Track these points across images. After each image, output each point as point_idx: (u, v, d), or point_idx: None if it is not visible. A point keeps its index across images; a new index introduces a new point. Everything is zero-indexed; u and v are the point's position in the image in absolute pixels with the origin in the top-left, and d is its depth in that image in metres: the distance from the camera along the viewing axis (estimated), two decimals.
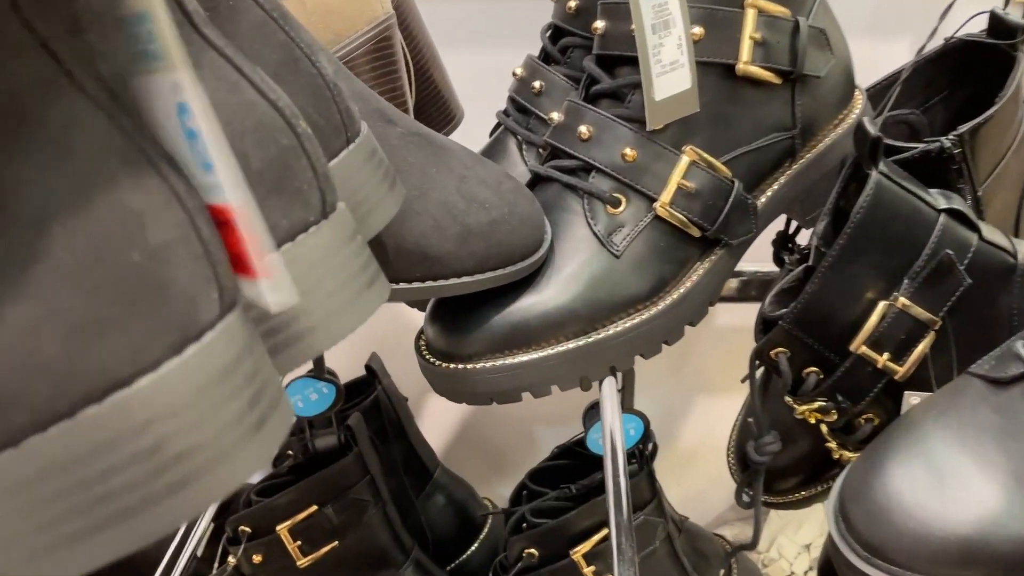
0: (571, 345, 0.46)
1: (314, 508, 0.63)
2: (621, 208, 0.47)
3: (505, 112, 0.56)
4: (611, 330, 0.47)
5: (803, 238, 0.60)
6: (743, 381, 0.63)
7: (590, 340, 0.46)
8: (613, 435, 0.57)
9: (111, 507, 0.20)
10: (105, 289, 0.20)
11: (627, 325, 0.47)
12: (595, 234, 0.47)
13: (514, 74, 0.56)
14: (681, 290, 0.48)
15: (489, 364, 0.46)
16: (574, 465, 0.68)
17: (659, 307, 0.47)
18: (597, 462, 0.65)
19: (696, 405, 0.86)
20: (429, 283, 0.44)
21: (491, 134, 0.58)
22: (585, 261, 0.47)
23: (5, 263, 0.19)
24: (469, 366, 0.46)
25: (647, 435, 0.62)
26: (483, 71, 0.65)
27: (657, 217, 0.47)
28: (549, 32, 0.55)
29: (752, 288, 0.72)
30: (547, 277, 0.47)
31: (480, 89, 0.64)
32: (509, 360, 0.46)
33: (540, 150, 0.54)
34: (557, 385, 0.47)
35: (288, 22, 0.34)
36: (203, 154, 0.23)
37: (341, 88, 0.35)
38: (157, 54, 0.22)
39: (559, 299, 0.46)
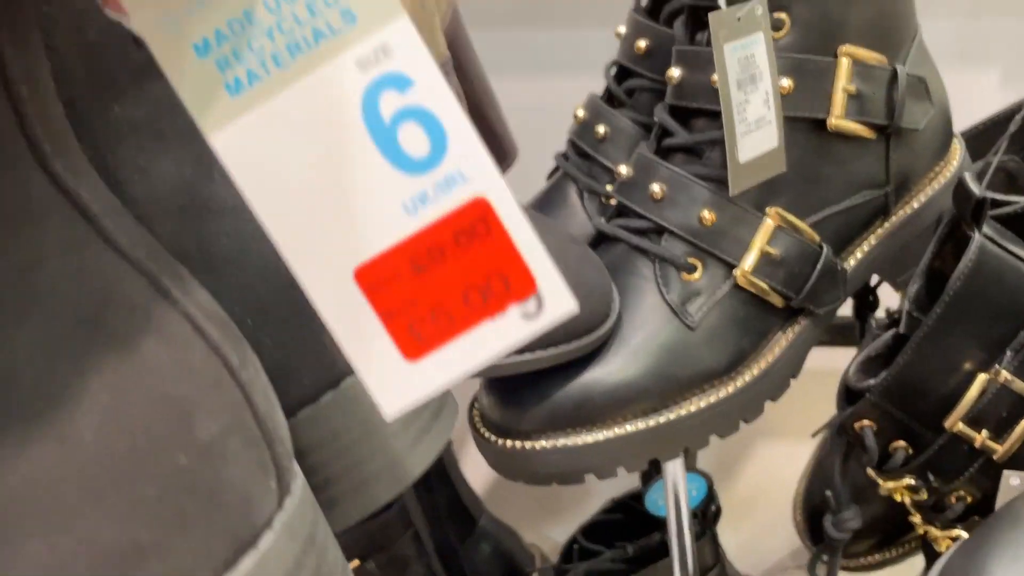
0: (640, 425, 0.42)
1: (356, 563, 0.60)
2: (697, 275, 0.43)
3: (564, 156, 0.52)
4: (684, 409, 0.43)
5: (884, 289, 0.56)
6: (814, 436, 0.59)
7: (661, 421, 0.42)
8: (678, 497, 0.53)
9: None
10: (145, 507, 0.17)
11: (702, 404, 0.43)
12: (667, 303, 0.43)
13: (575, 116, 0.52)
14: (762, 364, 0.44)
15: (549, 444, 0.42)
16: (628, 520, 0.64)
17: (737, 384, 0.43)
18: (653, 518, 0.61)
19: (755, 448, 0.82)
20: None
21: (549, 177, 0.54)
22: (656, 332, 0.43)
23: (24, 481, 0.16)
24: (527, 445, 0.43)
25: (710, 496, 0.59)
26: (538, 102, 0.61)
27: (736, 285, 0.43)
28: (614, 71, 0.51)
29: None
30: (613, 349, 0.43)
31: (534, 121, 0.60)
32: (572, 441, 0.42)
33: (603, 199, 0.50)
34: (624, 467, 0.43)
35: None
36: (423, 140, 0.17)
37: None
38: (330, 27, 0.17)
39: (627, 374, 0.42)
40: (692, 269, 0.43)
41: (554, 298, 0.18)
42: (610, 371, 0.42)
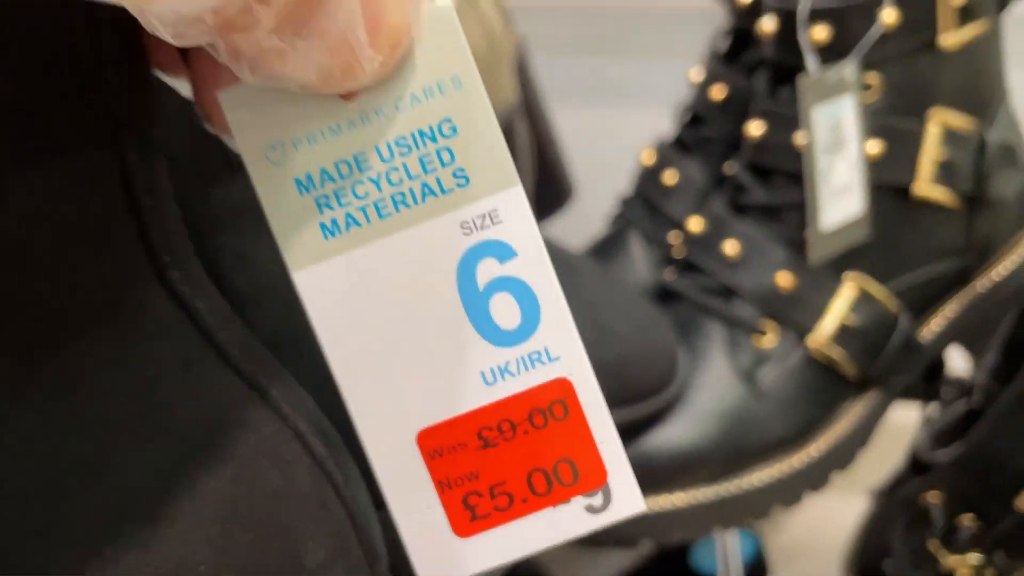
0: (702, 495, 0.41)
1: None
2: (767, 340, 0.42)
3: (627, 200, 0.51)
4: (749, 479, 0.41)
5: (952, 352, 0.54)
6: (873, 495, 0.57)
7: (724, 490, 0.41)
8: (729, 558, 0.52)
9: None
10: None
11: (768, 474, 0.41)
12: (735, 367, 0.42)
13: (641, 161, 0.50)
14: (831, 436, 0.42)
15: None
16: (668, 573, 0.62)
17: (805, 455, 0.42)
18: (696, 574, 0.60)
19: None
20: None
21: (612, 223, 0.52)
22: (722, 397, 0.41)
23: None
24: None
25: (759, 556, 0.57)
26: (600, 136, 0.60)
27: (808, 353, 0.41)
28: (686, 117, 0.50)
29: None
30: (677, 413, 0.41)
31: (594, 156, 0.59)
32: None
33: (666, 251, 0.48)
34: (683, 535, 0.42)
35: None
36: (515, 312, 0.17)
37: None
38: (441, 186, 0.16)
39: (690, 439, 0.41)
40: (763, 333, 0.42)
41: (623, 495, 0.17)
42: (673, 436, 0.41)
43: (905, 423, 0.54)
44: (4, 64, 0.14)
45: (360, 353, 0.17)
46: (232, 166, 0.21)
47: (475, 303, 0.16)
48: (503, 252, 0.16)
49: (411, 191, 0.16)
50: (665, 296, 0.45)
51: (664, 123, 0.53)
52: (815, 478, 0.42)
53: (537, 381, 0.17)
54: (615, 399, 0.40)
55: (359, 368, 0.17)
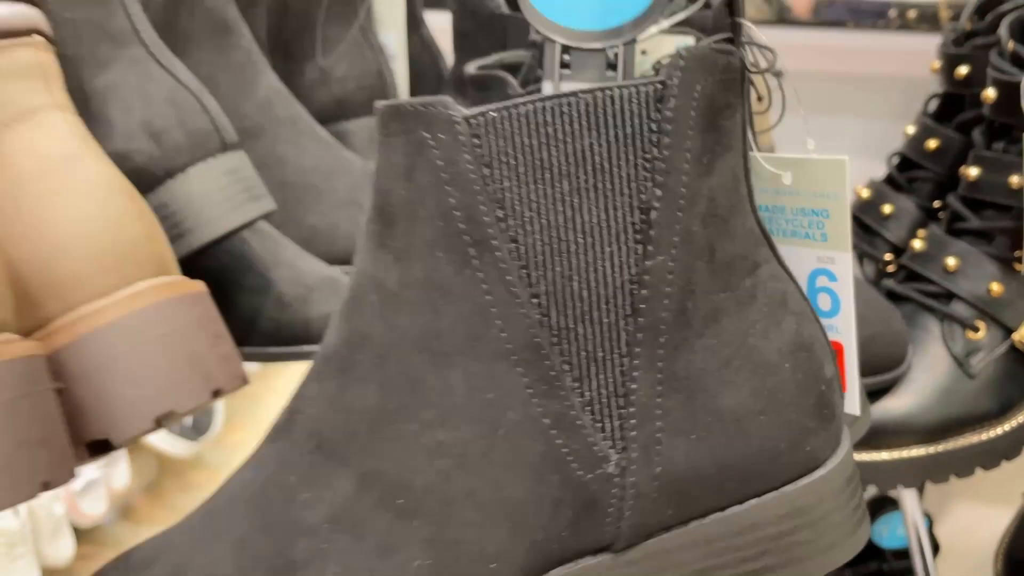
0: (920, 452, 0.52)
1: None
2: (980, 334, 0.53)
3: None
4: (958, 443, 0.52)
5: None
6: None
7: (939, 449, 0.52)
8: (920, 535, 0.62)
9: None
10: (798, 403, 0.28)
11: (973, 441, 0.52)
12: (952, 354, 0.53)
13: (858, 195, 0.63)
14: None
15: None
16: None
17: (1005, 427, 0.52)
18: (872, 547, 0.69)
19: (957, 502, 0.87)
20: None
21: None
22: (941, 377, 0.53)
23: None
24: None
25: (931, 533, 0.67)
26: None
27: (1013, 346, 0.53)
28: (896, 160, 0.62)
29: None
30: (904, 387, 0.53)
31: None
32: (861, 457, 0.52)
33: (879, 265, 0.60)
34: (901, 484, 0.53)
35: None
36: (829, 303, 0.31)
37: None
38: (810, 235, 0.31)
39: (914, 408, 0.52)
40: (976, 329, 0.53)
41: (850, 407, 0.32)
42: (900, 404, 0.52)
43: None
44: None
45: None
46: None
47: (811, 295, 0.32)
48: (831, 275, 0.32)
49: (794, 231, 0.32)
50: (889, 298, 0.57)
51: (864, 171, 0.65)
52: (1011, 447, 0.53)
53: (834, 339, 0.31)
54: (862, 370, 0.51)
55: None
